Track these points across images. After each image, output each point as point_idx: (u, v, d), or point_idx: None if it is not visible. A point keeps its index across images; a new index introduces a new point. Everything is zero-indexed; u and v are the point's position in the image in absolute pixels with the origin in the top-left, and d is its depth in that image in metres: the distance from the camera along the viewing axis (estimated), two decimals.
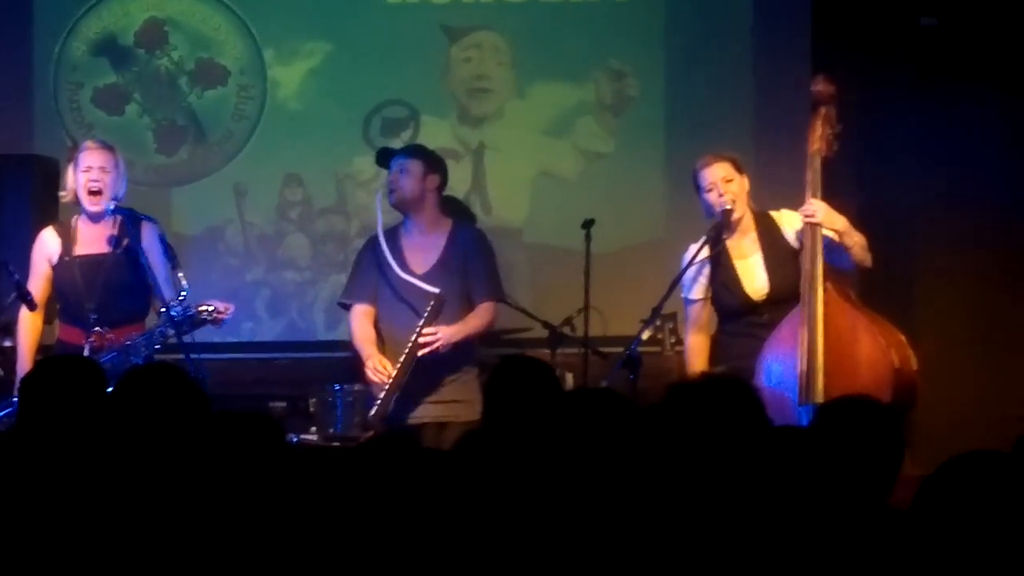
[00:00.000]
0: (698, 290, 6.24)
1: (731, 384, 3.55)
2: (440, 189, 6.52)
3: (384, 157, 6.60)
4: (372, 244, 6.53)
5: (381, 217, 6.50)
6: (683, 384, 3.64)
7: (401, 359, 6.27)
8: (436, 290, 6.30)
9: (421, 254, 6.45)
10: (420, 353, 6.26)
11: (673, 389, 3.54)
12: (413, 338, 6.25)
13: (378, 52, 8.21)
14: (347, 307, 6.58)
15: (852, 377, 5.76)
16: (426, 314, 6.28)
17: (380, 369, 6.28)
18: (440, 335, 6.28)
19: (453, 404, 6.34)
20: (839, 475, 3.61)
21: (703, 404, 3.45)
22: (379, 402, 6.25)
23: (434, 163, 6.52)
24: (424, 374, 6.31)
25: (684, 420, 3.43)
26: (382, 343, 6.42)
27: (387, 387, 6.25)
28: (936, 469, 3.08)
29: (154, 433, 3.76)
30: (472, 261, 6.45)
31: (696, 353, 6.21)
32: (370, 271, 6.49)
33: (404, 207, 6.47)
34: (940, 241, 8.00)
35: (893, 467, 3.68)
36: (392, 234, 6.48)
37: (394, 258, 6.40)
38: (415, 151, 6.62)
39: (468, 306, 6.43)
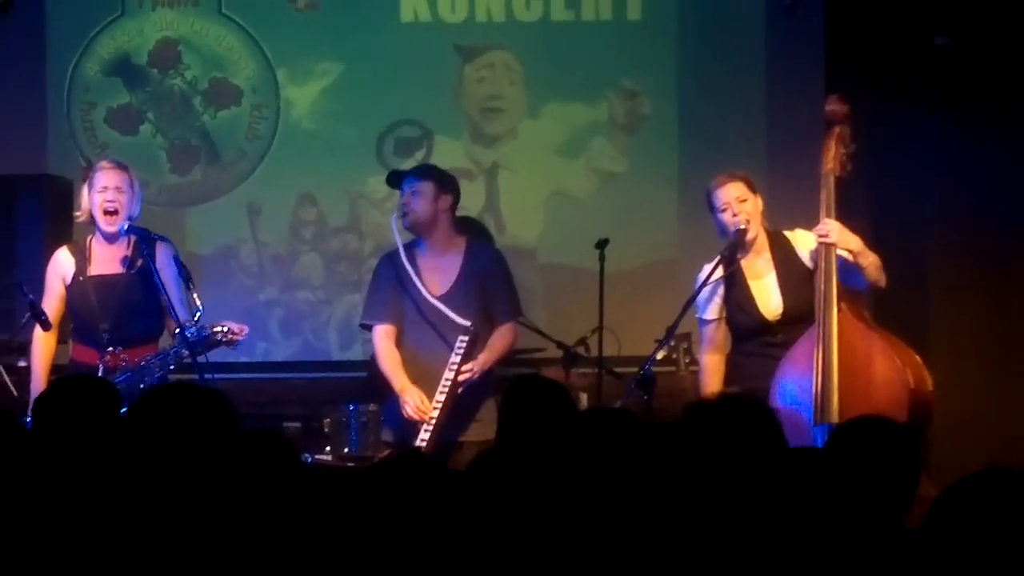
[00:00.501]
0: (712, 310, 6.23)
1: (749, 404, 3.54)
2: (453, 209, 6.48)
3: (395, 179, 6.57)
4: (390, 262, 6.47)
5: (399, 238, 6.45)
6: (701, 404, 3.63)
7: (441, 397, 6.21)
8: (468, 323, 6.27)
9: (437, 275, 6.41)
10: (458, 390, 6.25)
11: (691, 409, 3.53)
12: (451, 376, 6.21)
13: (391, 72, 8.22)
14: (368, 328, 6.53)
15: (867, 397, 5.74)
16: (462, 350, 6.23)
17: (422, 408, 6.21)
18: (475, 367, 6.26)
19: (469, 423, 6.31)
20: (856, 495, 3.60)
21: (721, 424, 3.44)
22: (424, 442, 6.16)
23: (445, 183, 6.48)
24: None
25: (701, 440, 3.42)
26: (404, 363, 6.36)
27: (431, 427, 6.20)
28: (946, 489, 3.07)
29: (172, 453, 3.75)
30: (491, 281, 6.41)
31: (711, 373, 6.20)
32: (390, 290, 6.43)
33: (417, 229, 6.43)
34: (955, 261, 7.98)
35: (910, 487, 3.68)
36: (407, 254, 6.42)
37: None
38: (426, 172, 6.58)
39: (487, 324, 6.40)
